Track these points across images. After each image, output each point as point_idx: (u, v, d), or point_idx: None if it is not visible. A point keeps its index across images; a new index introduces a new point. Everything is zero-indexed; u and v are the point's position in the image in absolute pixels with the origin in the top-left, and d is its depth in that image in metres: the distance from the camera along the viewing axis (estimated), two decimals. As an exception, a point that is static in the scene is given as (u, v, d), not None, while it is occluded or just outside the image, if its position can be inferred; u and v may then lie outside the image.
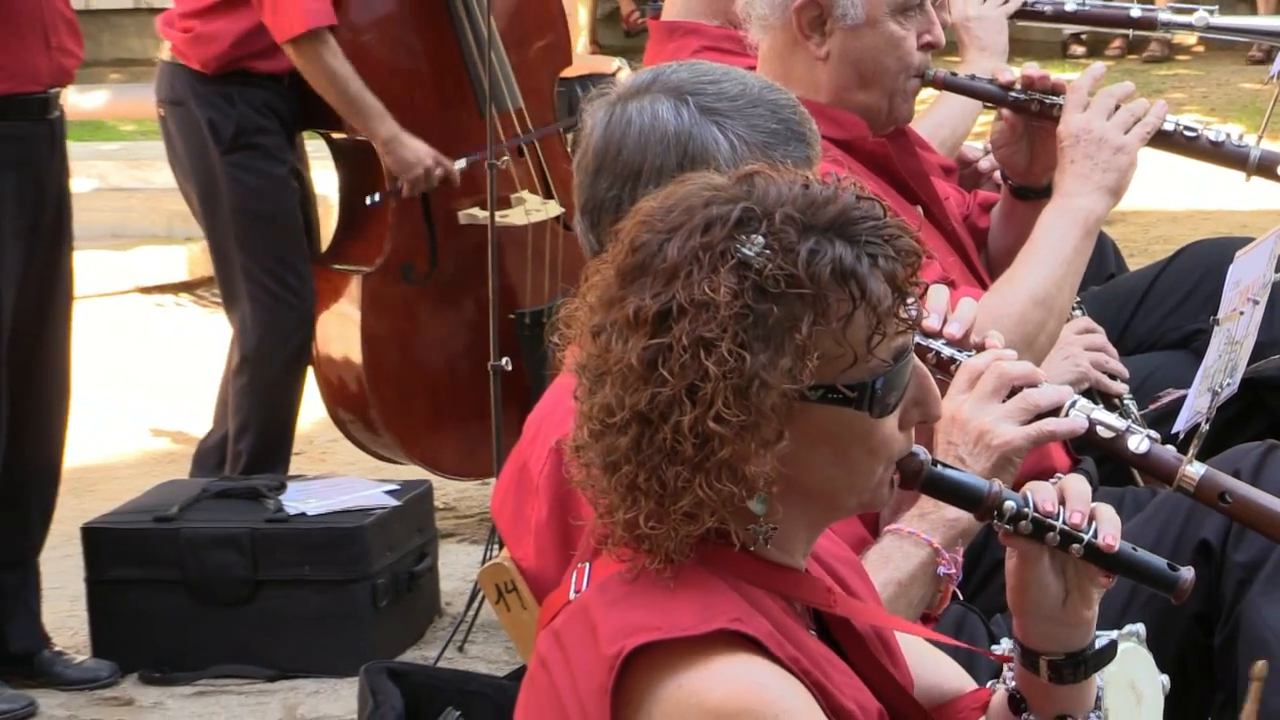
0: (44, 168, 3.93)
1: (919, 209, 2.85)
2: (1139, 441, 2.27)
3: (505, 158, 4.43)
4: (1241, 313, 2.44)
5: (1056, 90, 2.87)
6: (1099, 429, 2.28)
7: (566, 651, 1.68)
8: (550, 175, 4.67)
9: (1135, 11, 3.45)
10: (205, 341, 6.08)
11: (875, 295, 1.65)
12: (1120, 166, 2.77)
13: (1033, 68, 2.95)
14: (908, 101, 2.85)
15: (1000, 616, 2.48)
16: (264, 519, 4.13)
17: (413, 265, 4.58)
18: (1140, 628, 1.91)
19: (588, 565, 1.74)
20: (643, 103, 2.11)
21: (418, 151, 4.42)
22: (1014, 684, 1.83)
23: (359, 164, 4.62)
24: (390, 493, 4.27)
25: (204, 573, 4.08)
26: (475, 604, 4.10)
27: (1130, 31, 3.45)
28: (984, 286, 2.85)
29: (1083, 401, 2.31)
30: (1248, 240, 2.63)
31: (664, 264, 1.66)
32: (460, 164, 4.43)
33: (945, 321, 2.34)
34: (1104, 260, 3.60)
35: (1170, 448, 2.29)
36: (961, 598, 2.48)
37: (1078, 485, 1.78)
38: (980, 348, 2.33)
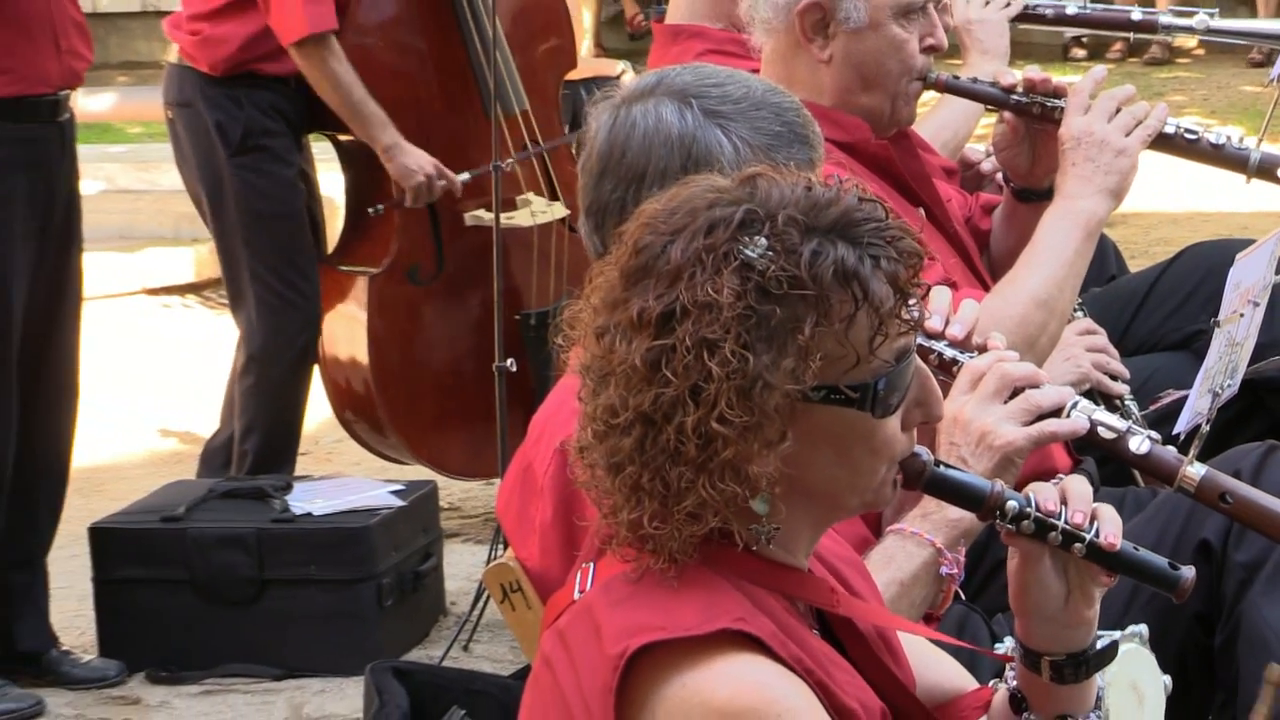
0: (54, 170, 3.95)
1: (921, 211, 2.86)
2: (1140, 442, 2.27)
3: (510, 159, 4.44)
4: (1242, 314, 2.44)
5: (1058, 93, 2.88)
6: (1100, 430, 2.28)
7: (571, 651, 1.69)
8: (556, 177, 4.69)
9: (1136, 15, 3.45)
10: (212, 342, 6.09)
11: (877, 296, 1.66)
12: (1121, 169, 2.78)
13: (1034, 70, 2.96)
14: (910, 104, 2.85)
15: (1002, 616, 2.49)
16: (270, 519, 4.14)
17: (419, 266, 4.59)
18: (1143, 629, 1.92)
19: (592, 565, 1.74)
20: (647, 105, 2.12)
21: (419, 159, 4.43)
22: (1015, 683, 1.84)
23: (365, 166, 4.63)
24: (395, 493, 4.28)
25: (210, 572, 4.09)
26: (480, 603, 4.11)
27: (1131, 34, 3.45)
28: (986, 288, 2.85)
29: (1084, 402, 2.31)
30: (1248, 242, 2.63)
31: (667, 266, 1.66)
32: (464, 176, 4.45)
33: (947, 323, 2.34)
34: (1105, 262, 3.61)
35: (1171, 448, 2.29)
36: (964, 597, 2.49)
37: (1079, 486, 1.79)
38: (982, 349, 2.33)
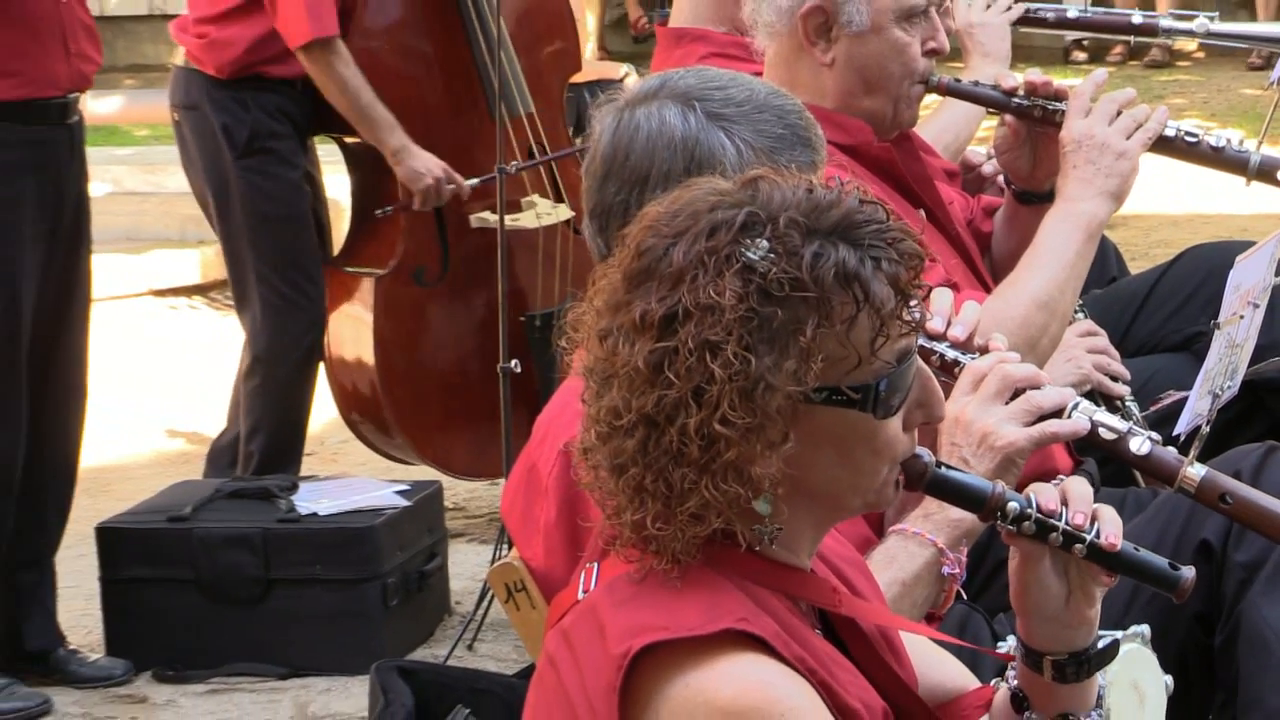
0: (63, 172, 3.96)
1: (921, 212, 2.87)
2: (1140, 443, 2.28)
3: (516, 163, 4.45)
4: (1242, 316, 2.44)
5: (1059, 96, 2.89)
6: (1101, 430, 2.28)
7: (575, 650, 1.70)
8: (561, 180, 4.70)
9: (1137, 18, 3.46)
10: (218, 343, 6.10)
11: (878, 298, 1.67)
12: (1122, 171, 2.78)
13: (1035, 73, 2.96)
14: (912, 107, 2.86)
15: (1003, 616, 2.49)
16: (276, 519, 4.15)
17: (425, 268, 4.60)
18: (1145, 629, 1.93)
19: (596, 565, 1.75)
20: (650, 108, 2.12)
21: (427, 163, 4.44)
22: (1016, 683, 1.84)
23: (371, 168, 4.64)
24: (401, 493, 4.29)
25: (217, 572, 4.10)
26: (484, 603, 4.12)
27: (1132, 38, 3.46)
28: (987, 290, 2.86)
29: (1085, 403, 2.31)
30: (1248, 244, 2.64)
31: (669, 268, 1.67)
32: (473, 181, 4.46)
33: (949, 324, 2.35)
34: (1105, 264, 3.62)
35: (1171, 449, 2.29)
36: (965, 597, 2.50)
37: (1080, 487, 1.79)
38: (984, 350, 2.33)
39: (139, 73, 9.82)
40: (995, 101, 2.98)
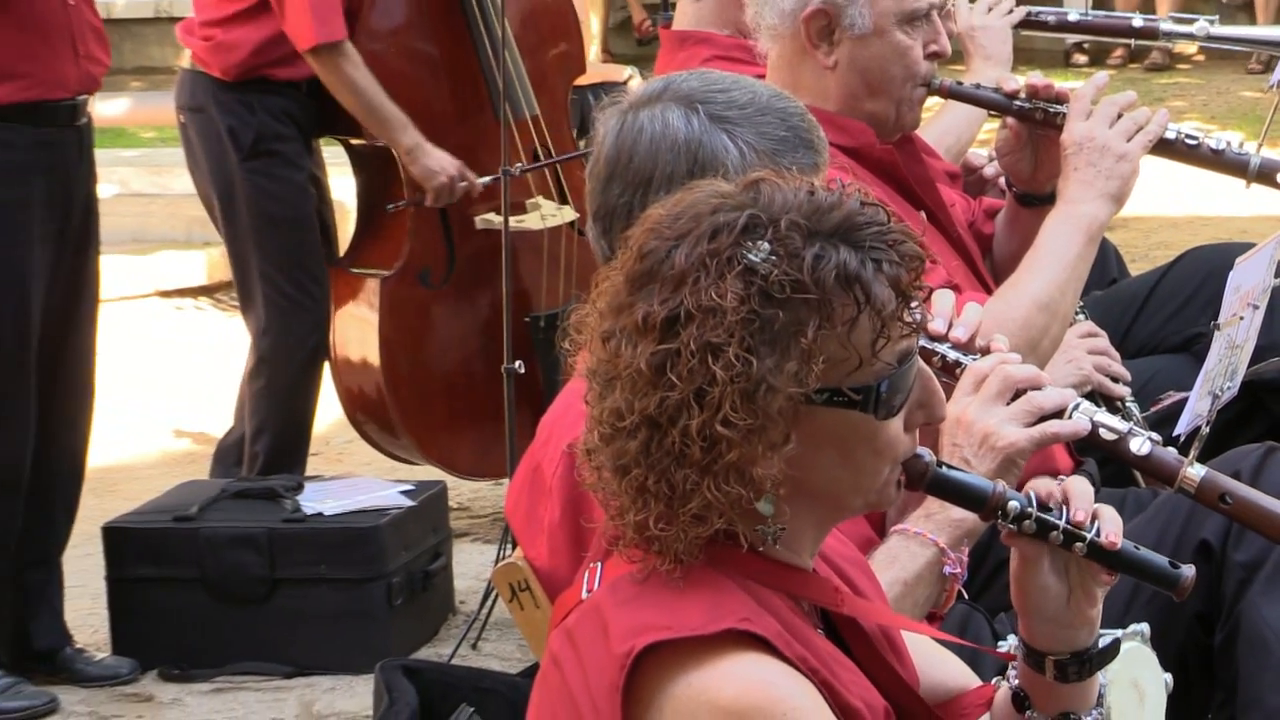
0: (72, 173, 3.97)
1: (923, 214, 2.88)
2: (1141, 443, 2.28)
3: (520, 165, 4.46)
4: (1241, 317, 2.44)
5: (1060, 99, 2.90)
6: (1101, 431, 2.29)
7: (579, 649, 1.71)
8: (565, 182, 4.71)
9: (1137, 21, 3.46)
10: (224, 344, 6.12)
11: (879, 299, 1.67)
12: (1123, 174, 2.79)
13: (1037, 76, 2.97)
14: (914, 110, 2.87)
15: (1004, 615, 2.50)
16: (281, 519, 4.16)
17: (430, 269, 4.61)
18: (1144, 627, 1.93)
19: (599, 565, 1.76)
20: (654, 111, 2.13)
21: (441, 161, 4.45)
22: (1018, 682, 1.85)
23: (377, 170, 4.66)
24: (405, 493, 4.30)
25: (222, 571, 4.11)
26: (488, 602, 4.13)
27: (1132, 41, 3.47)
28: (989, 291, 2.86)
29: (1085, 404, 2.32)
30: (1247, 245, 2.65)
31: (672, 270, 1.68)
32: (485, 180, 4.47)
33: (951, 326, 2.36)
34: (1106, 265, 3.63)
35: (1171, 450, 2.30)
36: (966, 597, 2.51)
37: (1080, 485, 1.80)
38: (985, 351, 2.33)
39: (145, 75, 9.83)
40: (997, 104, 2.98)
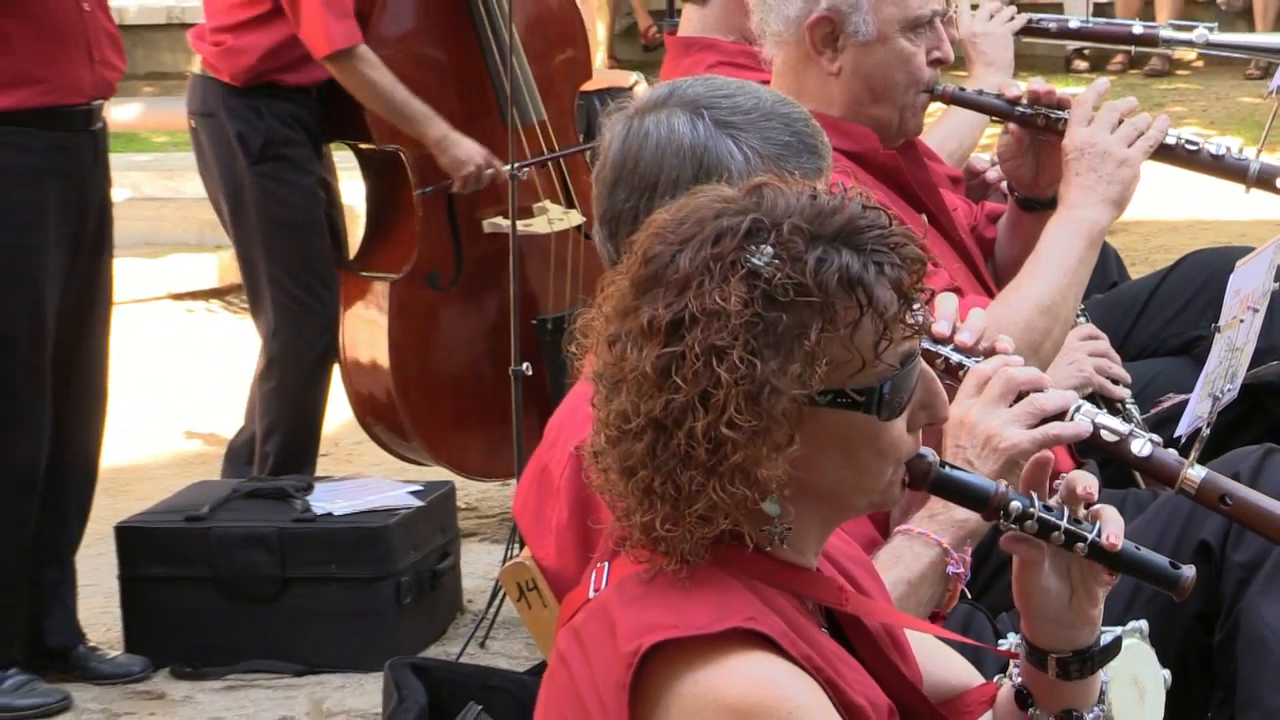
0: (87, 177, 3.99)
1: (925, 218, 2.89)
2: (1141, 445, 2.29)
3: (526, 162, 4.48)
4: (1242, 320, 2.45)
5: (1061, 105, 2.91)
6: (1103, 433, 2.30)
7: (586, 648, 1.72)
8: (572, 185, 4.73)
9: (1137, 28, 3.47)
10: (235, 346, 6.14)
11: (882, 302, 1.68)
12: (1124, 179, 2.80)
13: (1038, 82, 2.99)
14: (917, 115, 2.88)
15: (1006, 614, 2.52)
16: (292, 519, 4.18)
17: (439, 272, 4.64)
18: (1143, 624, 1.95)
19: (606, 565, 1.77)
20: (659, 116, 2.15)
21: (469, 150, 4.47)
22: (1020, 680, 1.86)
23: (386, 173, 4.68)
24: (414, 493, 4.32)
25: (233, 571, 4.13)
26: (496, 601, 4.14)
27: (1132, 48, 3.48)
28: (991, 295, 2.87)
29: (1087, 406, 2.33)
30: (1247, 249, 2.66)
31: (676, 274, 1.69)
32: (509, 167, 4.49)
33: (955, 329, 2.38)
34: (1107, 269, 3.64)
35: (1172, 451, 2.31)
36: (969, 596, 2.52)
37: (1085, 478, 1.81)
38: (989, 353, 2.35)
39: (157, 80, 9.85)
40: (999, 110, 2.99)
